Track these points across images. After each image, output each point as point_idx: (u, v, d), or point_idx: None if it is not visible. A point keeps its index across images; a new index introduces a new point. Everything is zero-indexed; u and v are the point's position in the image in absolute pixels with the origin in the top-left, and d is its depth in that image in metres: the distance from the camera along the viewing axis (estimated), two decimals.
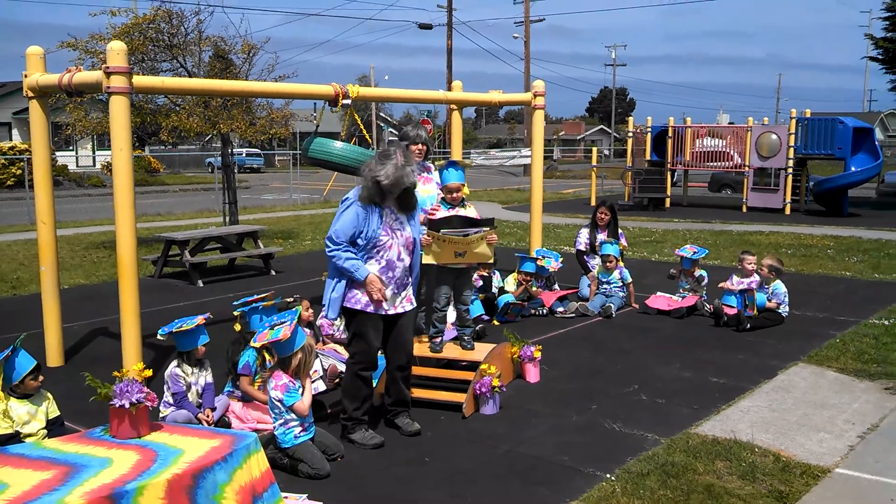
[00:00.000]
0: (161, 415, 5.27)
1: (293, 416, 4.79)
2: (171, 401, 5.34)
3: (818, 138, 20.72)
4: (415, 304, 5.41)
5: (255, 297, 5.82)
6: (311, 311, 6.69)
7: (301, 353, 4.80)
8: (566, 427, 5.49)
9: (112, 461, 3.58)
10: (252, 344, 5.00)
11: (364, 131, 8.46)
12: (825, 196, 20.94)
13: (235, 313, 5.77)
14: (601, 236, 9.66)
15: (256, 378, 5.48)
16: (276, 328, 4.77)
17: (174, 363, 5.39)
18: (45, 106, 6.99)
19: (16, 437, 4.76)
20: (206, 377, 5.53)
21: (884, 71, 24.68)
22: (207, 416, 5.37)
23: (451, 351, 6.34)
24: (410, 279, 5.36)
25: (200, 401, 5.46)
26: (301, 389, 4.82)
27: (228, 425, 5.43)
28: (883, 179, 27.46)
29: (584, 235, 9.87)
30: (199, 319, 5.36)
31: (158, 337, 5.37)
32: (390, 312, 5.24)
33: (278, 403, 4.79)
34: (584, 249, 9.81)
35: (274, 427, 4.85)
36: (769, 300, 8.31)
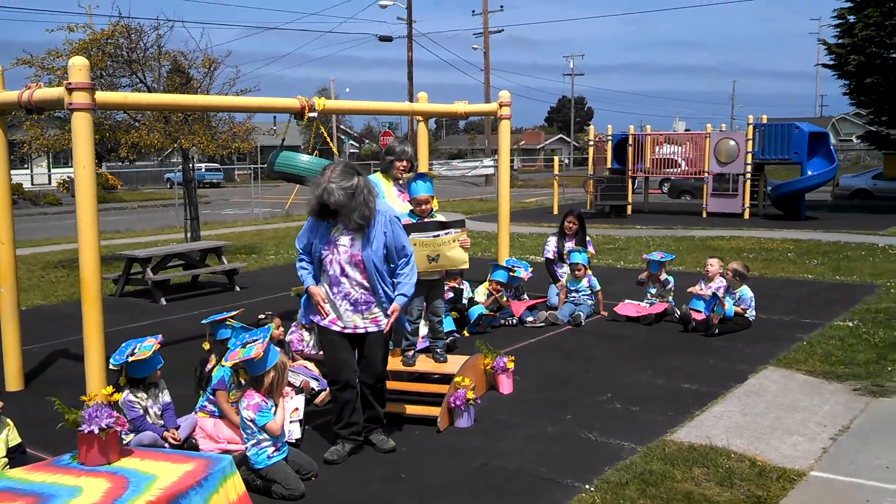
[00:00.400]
0: (124, 442, 5.12)
1: (266, 436, 4.70)
2: (130, 427, 5.18)
3: (775, 144, 21.07)
4: (381, 327, 5.23)
5: (225, 315, 5.71)
6: (281, 328, 6.59)
7: (274, 371, 4.71)
8: (542, 438, 5.46)
9: (82, 490, 3.47)
10: (223, 363, 4.89)
11: (331, 144, 8.39)
12: (783, 200, 21.29)
13: (204, 324, 5.64)
14: (569, 245, 9.68)
15: (230, 395, 5.36)
16: (247, 346, 4.68)
17: (126, 391, 5.19)
18: (4, 123, 6.82)
19: None
20: (163, 397, 5.38)
21: (836, 76, 25.17)
22: (174, 435, 5.24)
23: (424, 364, 6.29)
24: (376, 299, 5.15)
25: (161, 422, 5.33)
26: (273, 409, 4.73)
27: (196, 447, 5.29)
28: (838, 183, 28.04)
29: (551, 244, 9.88)
30: (155, 345, 5.13)
31: (111, 367, 5.19)
32: (347, 331, 5.15)
33: (250, 423, 4.70)
34: (552, 258, 9.82)
35: (246, 448, 4.75)
36: (736, 305, 8.37)
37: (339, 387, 5.18)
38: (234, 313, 5.76)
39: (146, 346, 5.09)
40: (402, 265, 5.29)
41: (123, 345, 5.13)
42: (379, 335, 5.25)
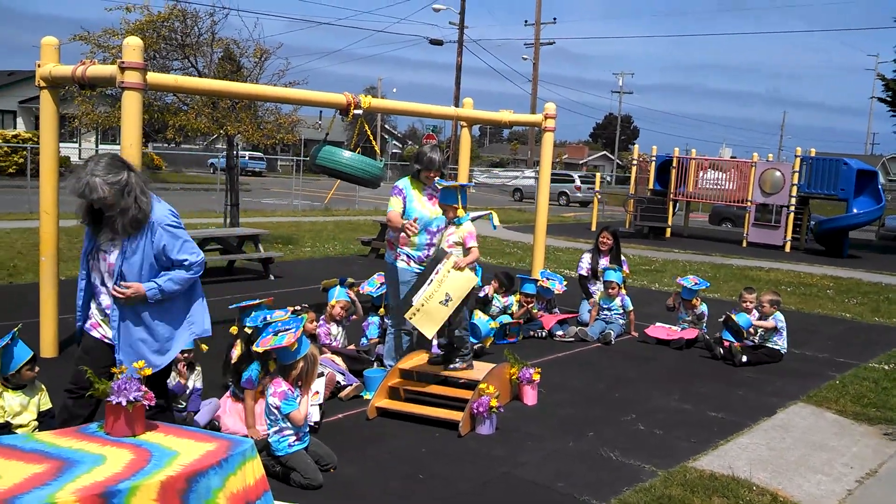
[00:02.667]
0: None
1: (288, 424, 4.73)
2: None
3: (822, 178, 20.76)
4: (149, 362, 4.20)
5: (254, 301, 5.72)
6: (315, 322, 6.64)
7: (303, 362, 4.73)
8: (563, 452, 5.42)
9: (106, 459, 3.51)
10: (254, 349, 4.93)
11: (374, 142, 8.45)
12: (826, 236, 20.94)
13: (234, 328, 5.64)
14: (604, 262, 9.61)
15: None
16: (279, 335, 4.71)
17: None
18: (57, 96, 6.95)
19: (6, 428, 4.70)
20: (195, 382, 5.48)
21: (891, 113, 24.71)
22: (187, 419, 5.31)
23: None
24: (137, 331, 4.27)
25: (183, 404, 5.42)
26: (299, 399, 4.76)
27: (218, 429, 5.35)
28: (884, 223, 27.52)
29: (586, 260, 9.82)
30: None
31: None
32: (107, 341, 4.38)
33: (275, 410, 4.73)
34: (586, 274, 9.76)
35: (268, 434, 4.79)
36: (767, 321, 8.20)
37: (69, 391, 4.46)
38: (261, 301, 5.79)
39: None
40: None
41: None
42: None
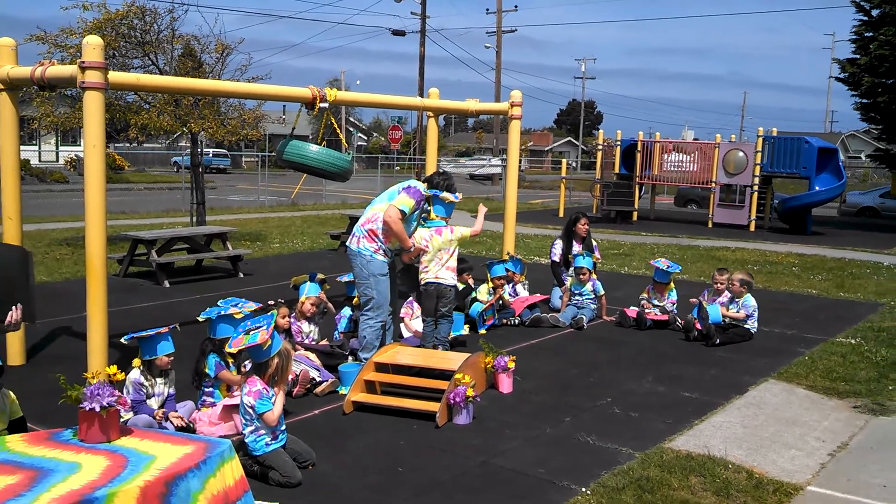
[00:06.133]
0: (122, 420, 5.13)
1: (262, 424, 4.70)
2: (128, 406, 5.21)
3: (784, 157, 21.02)
4: None
5: (230, 310, 5.64)
6: (287, 318, 6.60)
7: (278, 358, 4.71)
8: (540, 439, 5.45)
9: (81, 466, 3.47)
10: (227, 349, 4.89)
11: (341, 135, 8.40)
12: (789, 214, 21.24)
13: (200, 319, 5.61)
14: (576, 248, 9.66)
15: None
16: (251, 333, 4.68)
17: (137, 370, 5.26)
18: (16, 98, 6.81)
19: None
20: (168, 389, 5.40)
21: (850, 92, 25.04)
22: (157, 417, 5.24)
23: (425, 359, 6.29)
24: None
25: (161, 409, 5.36)
26: (274, 398, 4.73)
27: (193, 431, 5.30)
28: (845, 199, 27.96)
29: (559, 247, 9.85)
30: (164, 329, 5.26)
31: (122, 341, 5.26)
32: None
33: (250, 410, 4.70)
34: (558, 261, 9.79)
35: (244, 434, 4.76)
36: (738, 311, 8.32)
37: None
38: (239, 310, 5.70)
39: (154, 329, 5.18)
40: None
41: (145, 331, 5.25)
42: None
